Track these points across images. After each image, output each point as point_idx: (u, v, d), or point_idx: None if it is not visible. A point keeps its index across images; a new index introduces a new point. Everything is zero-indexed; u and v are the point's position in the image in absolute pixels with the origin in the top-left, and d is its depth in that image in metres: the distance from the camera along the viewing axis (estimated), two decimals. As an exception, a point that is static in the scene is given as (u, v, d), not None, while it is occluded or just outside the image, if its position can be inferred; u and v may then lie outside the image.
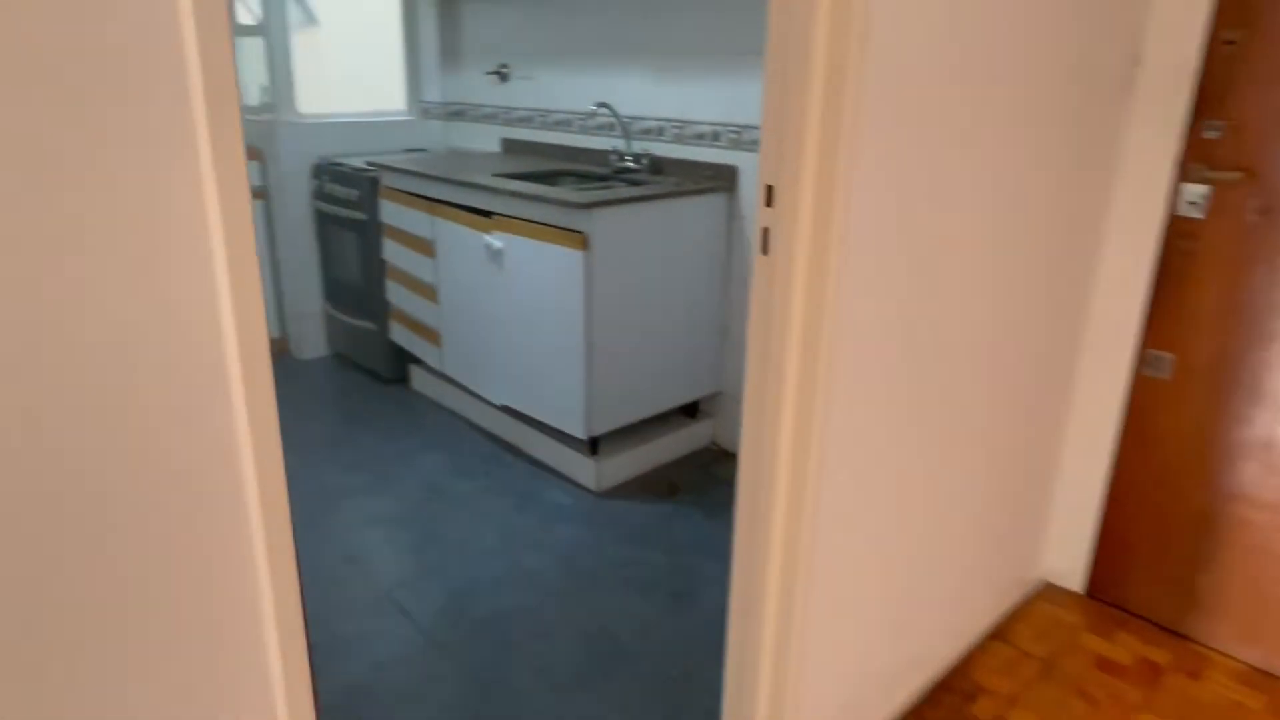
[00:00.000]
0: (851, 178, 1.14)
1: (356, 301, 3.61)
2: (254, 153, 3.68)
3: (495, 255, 2.74)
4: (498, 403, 2.95)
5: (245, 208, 0.80)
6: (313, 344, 3.90)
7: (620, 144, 3.05)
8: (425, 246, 3.08)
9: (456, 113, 3.86)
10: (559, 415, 2.68)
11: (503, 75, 3.53)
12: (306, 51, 3.76)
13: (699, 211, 2.70)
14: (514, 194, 2.58)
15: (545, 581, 2.27)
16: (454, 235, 2.92)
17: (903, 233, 1.26)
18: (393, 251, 3.31)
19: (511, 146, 3.59)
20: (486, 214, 2.75)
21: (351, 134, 3.74)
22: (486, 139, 3.73)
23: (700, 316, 2.82)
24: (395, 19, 3.89)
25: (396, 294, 3.36)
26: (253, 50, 3.90)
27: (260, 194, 3.73)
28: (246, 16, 3.82)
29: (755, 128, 2.65)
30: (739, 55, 2.64)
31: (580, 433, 2.62)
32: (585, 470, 2.72)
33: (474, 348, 2.99)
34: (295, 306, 3.81)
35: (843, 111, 1.11)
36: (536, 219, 2.56)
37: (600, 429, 2.64)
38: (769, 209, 1.19)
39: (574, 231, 2.44)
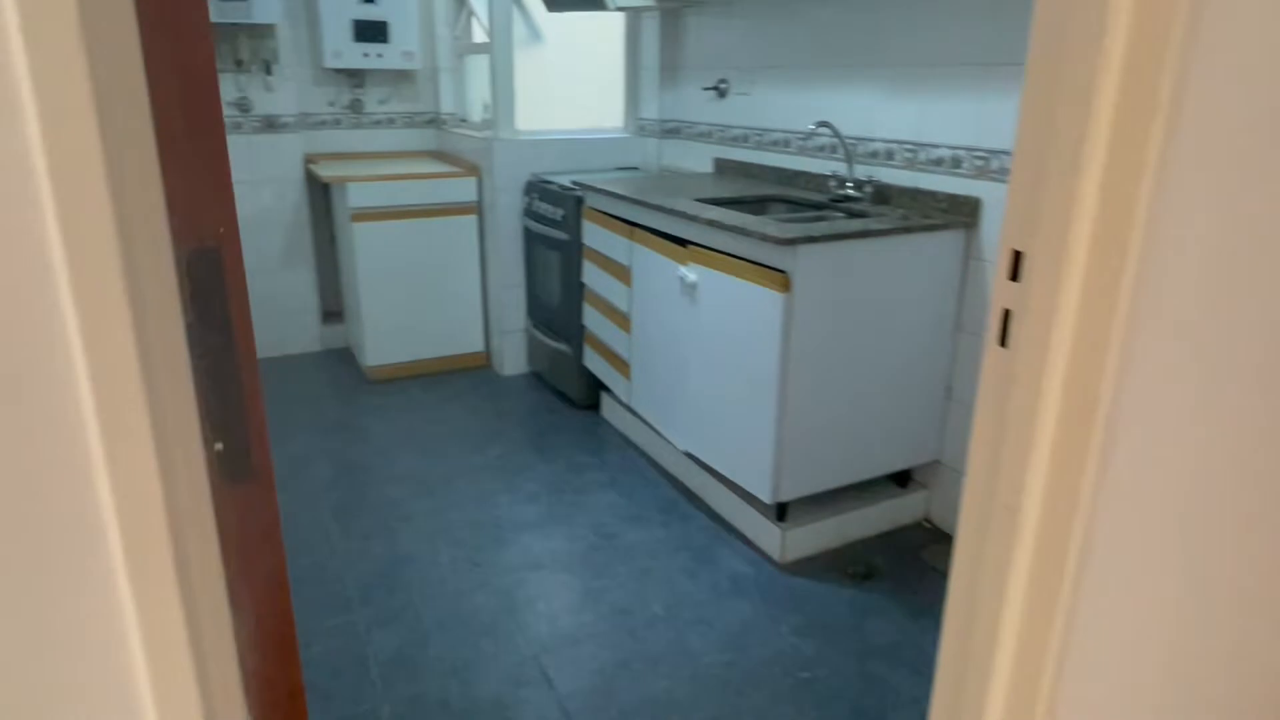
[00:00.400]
0: (1153, 250, 0.75)
1: (555, 322, 3.52)
2: (472, 169, 3.72)
3: (689, 289, 2.49)
4: (681, 448, 2.70)
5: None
6: (514, 361, 3.88)
7: (842, 168, 2.70)
8: (622, 272, 2.91)
9: (672, 130, 3.67)
10: (744, 473, 2.38)
11: (720, 91, 3.29)
12: (530, 68, 3.74)
13: (928, 250, 2.29)
14: (711, 223, 2.32)
15: (709, 671, 1.98)
16: (650, 263, 2.71)
17: (1236, 341, 0.84)
18: (591, 275, 3.17)
19: (724, 167, 3.34)
20: (683, 243, 2.51)
21: (566, 151, 3.68)
22: (699, 158, 3.51)
23: (920, 372, 2.40)
24: (619, 34, 3.78)
25: (592, 319, 3.22)
26: (479, 68, 3.95)
27: (474, 209, 3.76)
28: (480, 34, 3.89)
29: (1007, 153, 2.20)
30: (989, 66, 2.20)
31: (766, 496, 2.30)
32: (769, 536, 2.39)
33: (662, 385, 2.76)
34: (500, 322, 3.81)
35: (1147, 143, 0.73)
36: (734, 252, 2.28)
37: (789, 494, 2.30)
38: (1013, 284, 0.83)
39: (774, 270, 2.14)
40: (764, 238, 2.11)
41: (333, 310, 4.24)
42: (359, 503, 2.75)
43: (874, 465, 2.44)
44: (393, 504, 2.73)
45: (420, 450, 3.12)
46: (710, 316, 2.43)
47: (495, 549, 2.47)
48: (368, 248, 3.62)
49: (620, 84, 3.85)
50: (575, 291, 3.31)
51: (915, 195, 2.48)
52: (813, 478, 2.33)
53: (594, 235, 3.10)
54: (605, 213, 3.00)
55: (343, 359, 4.09)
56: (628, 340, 2.95)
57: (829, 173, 2.75)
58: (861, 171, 2.67)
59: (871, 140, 2.62)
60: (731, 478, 2.45)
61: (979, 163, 2.28)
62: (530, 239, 3.63)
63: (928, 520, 2.59)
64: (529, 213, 3.57)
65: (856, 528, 2.48)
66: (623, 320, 2.96)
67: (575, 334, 3.37)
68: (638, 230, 2.77)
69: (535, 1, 3.54)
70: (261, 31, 3.71)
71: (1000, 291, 0.84)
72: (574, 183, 3.18)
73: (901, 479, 2.57)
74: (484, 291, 3.91)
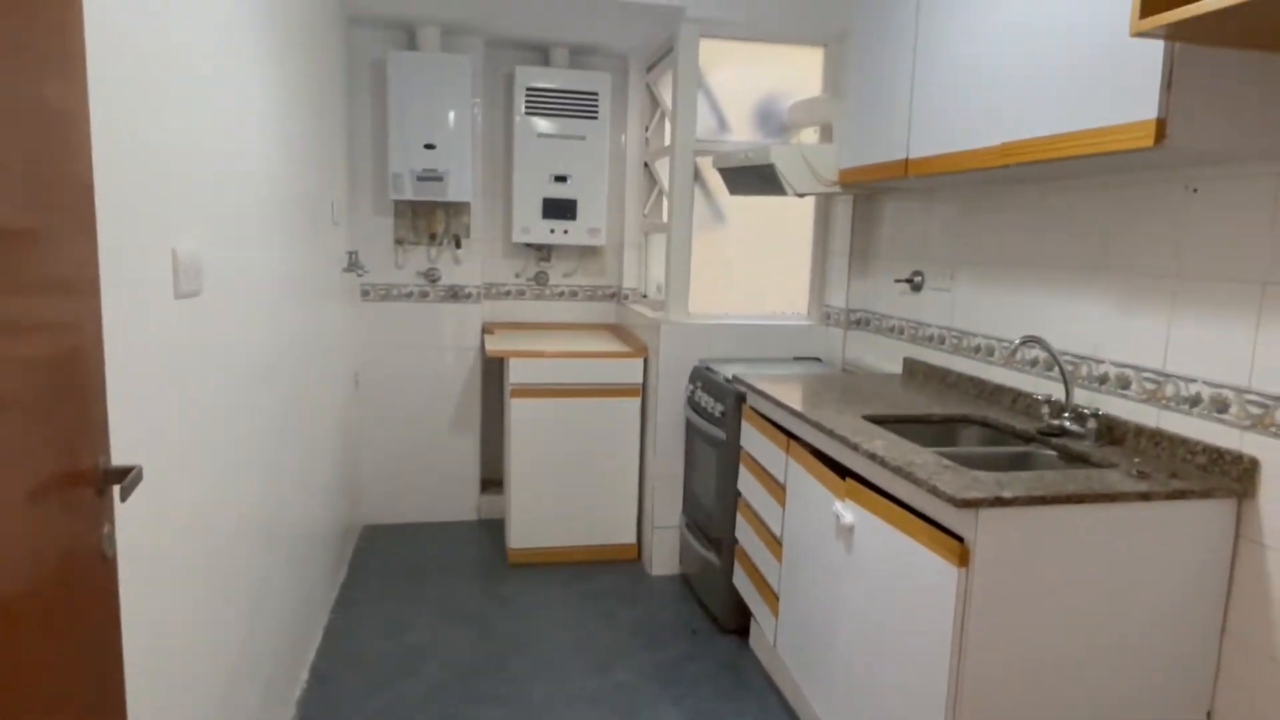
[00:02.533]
0: None
1: (709, 527, 3.12)
2: (641, 349, 3.51)
3: (844, 530, 2.02)
4: (824, 718, 2.15)
5: None
6: (665, 559, 3.50)
7: (1058, 390, 2.16)
8: (777, 489, 2.48)
9: (860, 321, 3.28)
10: (901, 790, 1.79)
11: (915, 284, 2.88)
12: (712, 249, 3.55)
13: (1182, 523, 1.68)
14: (873, 457, 1.87)
15: None
16: (805, 487, 2.28)
17: None
18: (747, 484, 2.77)
19: (915, 369, 2.87)
20: (843, 472, 2.07)
21: (743, 337, 3.38)
22: (888, 355, 3.06)
23: (1165, 692, 1.73)
24: (808, 216, 3.52)
25: (745, 534, 2.79)
26: (661, 245, 3.82)
27: (638, 392, 3.53)
28: (664, 213, 3.78)
29: (1299, 402, 1.59)
30: (1272, 285, 1.64)
31: (927, 834, 1.69)
32: None
33: (811, 634, 2.25)
34: (654, 516, 3.46)
35: None
36: (901, 499, 1.81)
37: (961, 838, 1.68)
38: None
39: (949, 534, 1.64)
40: (934, 491, 1.63)
41: (493, 479, 4.13)
42: (451, 725, 2.42)
43: (1092, 810, 1.75)
44: (485, 734, 2.38)
45: (537, 660, 2.77)
46: (868, 570, 1.93)
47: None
48: (522, 424, 3.47)
49: (807, 268, 3.54)
50: (730, 497, 2.91)
51: (1158, 439, 1.88)
52: (997, 819, 1.69)
53: (752, 439, 2.71)
54: (765, 416, 2.62)
55: (494, 532, 3.91)
56: (778, 569, 2.48)
57: (1042, 395, 2.21)
58: (1083, 398, 2.11)
59: (1099, 361, 2.08)
60: (885, 789, 1.86)
61: (1255, 410, 1.67)
62: (691, 431, 3.31)
63: None
64: (691, 403, 3.27)
65: None
66: (775, 544, 2.51)
67: (727, 545, 2.94)
68: (795, 444, 2.36)
69: (721, 186, 3.39)
70: (457, 209, 3.84)
71: None
72: (734, 377, 2.85)
73: (1136, 830, 1.84)
74: (641, 481, 3.61)
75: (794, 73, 3.46)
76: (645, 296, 4.12)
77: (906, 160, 2.35)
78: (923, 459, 1.80)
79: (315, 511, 2.86)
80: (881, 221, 3.14)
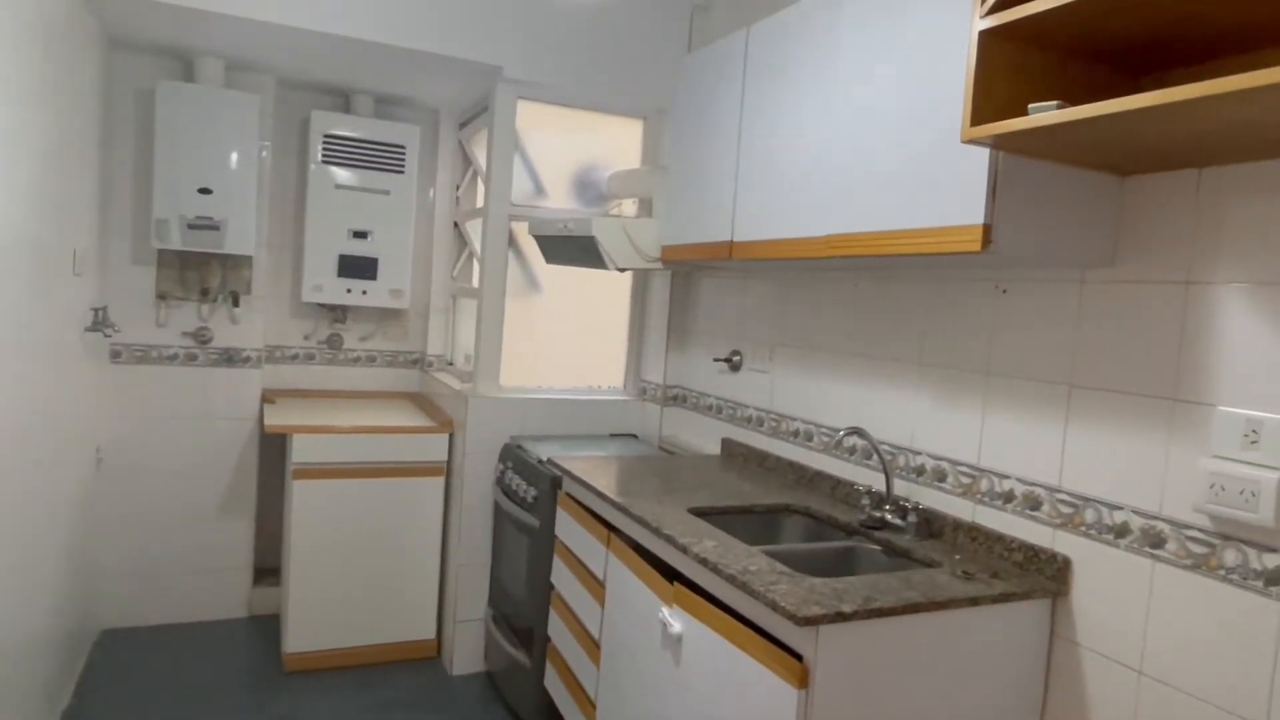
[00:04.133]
0: None
1: (516, 623, 2.86)
2: (447, 423, 3.23)
3: (671, 640, 1.86)
4: None
5: None
6: (468, 656, 3.18)
7: (878, 480, 2.15)
8: (596, 586, 2.29)
9: (677, 398, 3.20)
10: None
11: (733, 364, 2.84)
12: (523, 318, 3.36)
13: (1001, 622, 1.67)
14: (703, 562, 1.73)
15: None
16: (628, 587, 2.11)
17: None
18: (562, 577, 2.55)
19: (733, 451, 2.81)
20: (671, 574, 1.92)
21: (556, 412, 3.19)
22: (706, 434, 3.00)
23: (991, 795, 1.69)
24: (625, 290, 3.43)
25: (559, 632, 2.56)
26: (471, 312, 3.58)
27: (442, 470, 3.23)
28: (474, 278, 3.56)
29: (1104, 503, 1.64)
30: (1079, 388, 1.69)
31: None
32: None
33: (633, 752, 2.06)
34: (457, 608, 3.14)
35: None
36: (736, 609, 1.67)
37: None
38: None
39: (788, 651, 1.52)
40: (773, 606, 1.51)
41: (270, 568, 3.62)
42: None
43: None
44: None
45: (313, 799, 2.36)
46: (698, 685, 1.77)
47: None
48: (306, 509, 3.05)
49: (624, 342, 3.44)
50: (543, 589, 2.68)
51: (975, 535, 1.89)
52: None
53: (569, 529, 2.52)
54: (582, 505, 2.43)
55: (269, 631, 3.40)
56: (596, 675, 2.27)
57: (862, 485, 2.20)
58: (903, 489, 2.11)
59: (916, 452, 2.09)
60: None
61: (1065, 509, 1.71)
62: (500, 516, 3.06)
63: None
64: (500, 484, 3.02)
65: None
66: (593, 646, 2.30)
67: (539, 641, 2.70)
68: (616, 538, 2.19)
69: (537, 253, 3.23)
70: (236, 261, 3.40)
71: None
72: (548, 460, 2.65)
73: None
74: (443, 570, 3.29)
75: (613, 142, 3.39)
76: (451, 364, 3.84)
77: (731, 243, 2.30)
78: (757, 565, 1.69)
79: (29, 620, 2.32)
80: (699, 298, 3.11)
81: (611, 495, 2.19)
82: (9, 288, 2.02)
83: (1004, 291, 1.88)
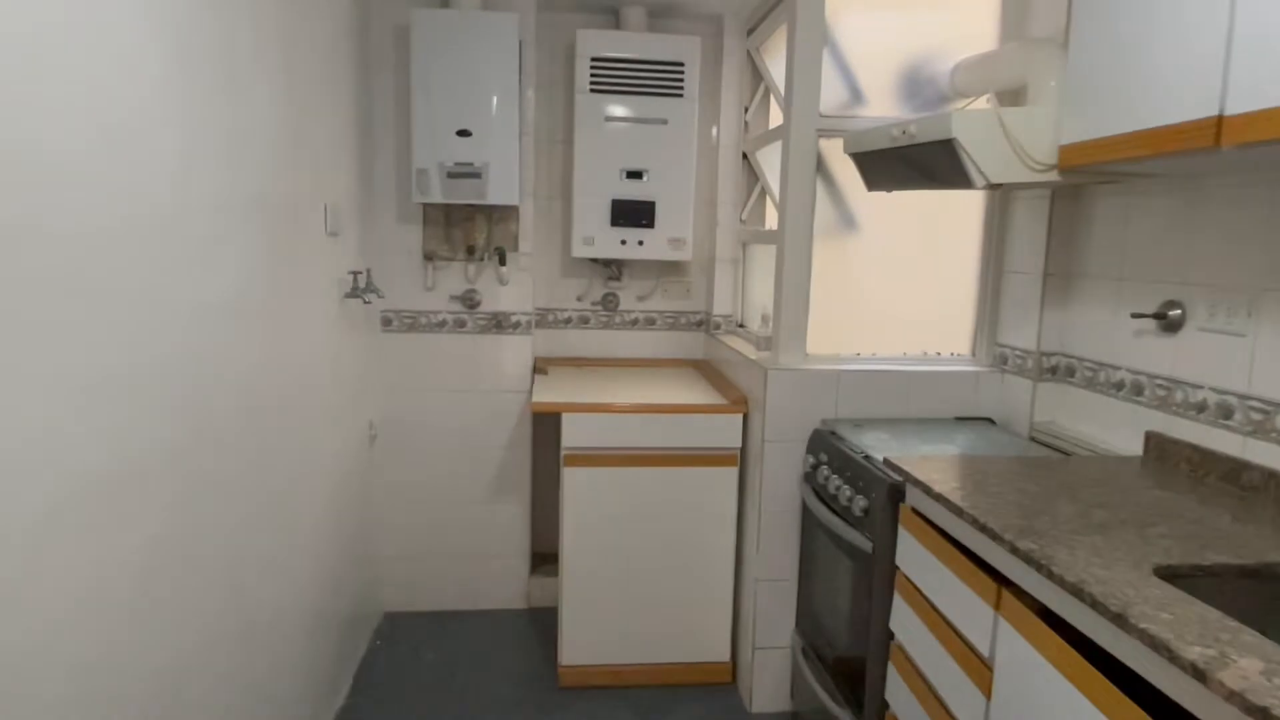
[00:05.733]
0: None
1: (836, 663, 2.17)
2: (739, 400, 2.60)
3: (1159, 819, 1.05)
4: None
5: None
6: (770, 689, 2.56)
7: None
8: (973, 662, 1.53)
9: (1057, 369, 2.28)
10: None
11: (1168, 321, 1.88)
12: (832, 269, 2.61)
13: None
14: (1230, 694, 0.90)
15: None
16: (1039, 680, 1.31)
17: None
18: (909, 628, 1.81)
19: (1169, 453, 1.86)
20: (1103, 659, 1.10)
21: (879, 388, 2.43)
22: (1112, 423, 2.07)
23: None
24: (973, 221, 2.54)
25: (903, 701, 1.83)
26: (766, 261, 2.90)
27: (734, 459, 2.61)
28: (774, 220, 2.88)
29: None
30: None
31: None
32: None
33: None
34: (754, 630, 2.53)
35: None
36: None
37: None
38: None
39: None
40: None
41: (549, 553, 3.26)
42: None
43: None
44: None
45: None
46: None
47: None
48: (580, 500, 2.59)
49: (971, 293, 2.57)
50: (878, 634, 1.96)
51: None
52: None
53: (918, 561, 1.76)
54: (940, 530, 1.66)
55: (547, 628, 3.04)
56: (972, 789, 1.52)
57: None
58: None
59: None
60: None
61: None
62: (810, 522, 2.37)
63: None
64: (811, 482, 2.33)
65: None
66: (964, 743, 1.55)
67: (871, 701, 1.99)
68: (1013, 598, 1.41)
69: (854, 181, 2.46)
70: (503, 214, 3.01)
71: None
72: (887, 460, 1.89)
73: None
74: (737, 581, 2.69)
75: (953, 25, 2.49)
76: (742, 327, 3.20)
77: (1219, 120, 1.37)
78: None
79: (310, 601, 2.13)
80: (1093, 227, 2.15)
81: (1006, 535, 1.40)
82: (251, 250, 1.68)
83: None
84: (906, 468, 1.80)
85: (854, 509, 2.01)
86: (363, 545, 2.83)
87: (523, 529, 3.17)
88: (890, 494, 1.90)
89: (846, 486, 2.08)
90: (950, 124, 1.78)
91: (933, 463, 1.84)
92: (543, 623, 3.09)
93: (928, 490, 1.67)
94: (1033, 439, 2.31)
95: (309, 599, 2.19)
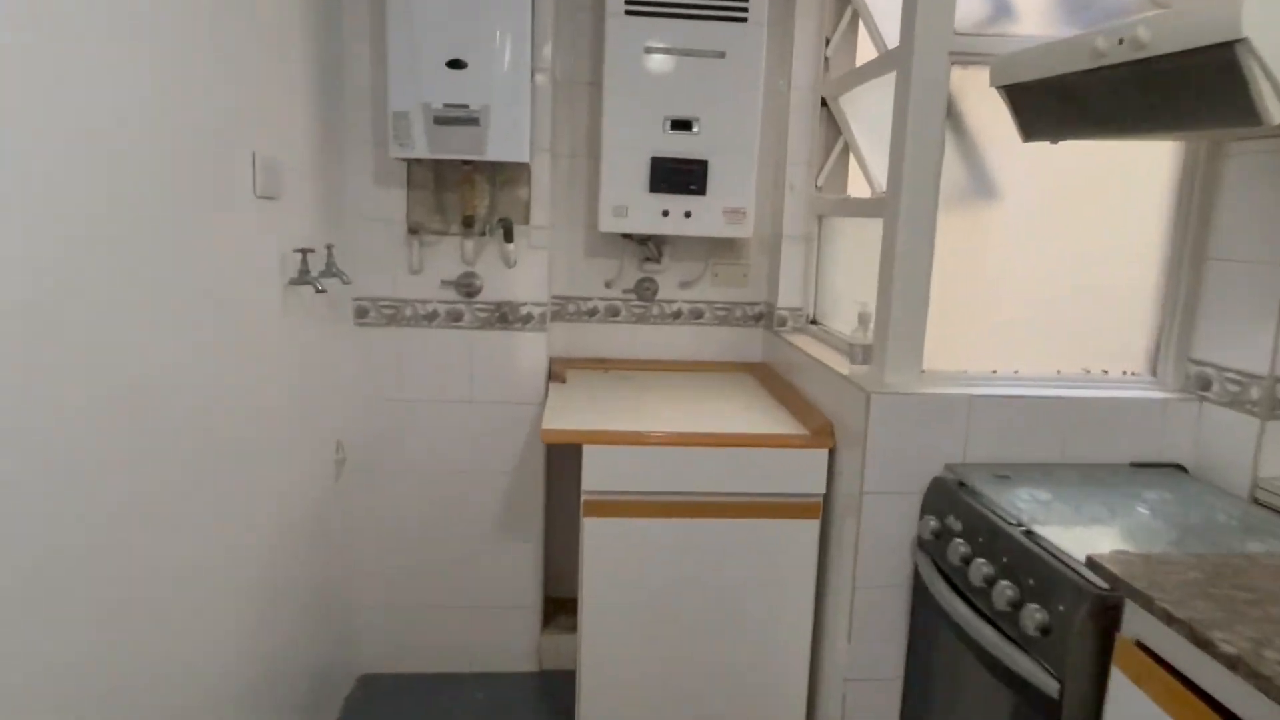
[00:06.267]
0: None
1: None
2: (823, 428, 1.91)
3: None
4: None
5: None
6: (856, 818, 1.89)
7: None
8: None
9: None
10: None
11: None
12: (961, 248, 1.88)
13: None
14: None
15: None
16: None
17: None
18: (1125, 829, 1.13)
19: None
20: None
21: (1025, 420, 1.74)
22: None
23: None
24: (1163, 188, 1.82)
25: None
26: (857, 240, 2.21)
27: (816, 510, 1.93)
28: (864, 185, 2.19)
29: None
30: None
31: None
32: None
33: None
34: (837, 742, 1.86)
35: None
36: None
37: None
38: None
39: None
40: None
41: (566, 599, 2.62)
42: None
43: None
44: None
45: None
46: None
47: None
48: (604, 560, 1.94)
49: (1152, 289, 1.85)
50: (1051, 812, 1.28)
51: None
52: None
53: (1155, 736, 1.07)
54: (1198, 689, 0.97)
55: (560, 698, 2.40)
56: None
57: None
58: None
59: None
60: None
61: None
62: (925, 604, 1.69)
63: None
64: (931, 552, 1.64)
65: None
66: None
67: None
68: None
69: (997, 128, 1.75)
70: (509, 175, 2.33)
71: None
72: (1093, 563, 1.20)
73: None
74: (813, 676, 2.02)
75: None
76: (814, 324, 2.50)
77: None
78: None
79: (265, 662, 1.51)
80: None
81: None
82: (67, 213, 1.03)
83: None
84: (1130, 580, 1.10)
85: (1023, 624, 1.32)
86: (329, 595, 2.20)
87: (533, 573, 2.52)
88: (1094, 611, 1.21)
89: (1007, 583, 1.39)
90: (1239, 17, 1.06)
91: (1171, 567, 1.15)
92: (559, 692, 2.45)
93: (1173, 622, 0.98)
94: (1256, 500, 1.60)
95: (247, 670, 1.57)
